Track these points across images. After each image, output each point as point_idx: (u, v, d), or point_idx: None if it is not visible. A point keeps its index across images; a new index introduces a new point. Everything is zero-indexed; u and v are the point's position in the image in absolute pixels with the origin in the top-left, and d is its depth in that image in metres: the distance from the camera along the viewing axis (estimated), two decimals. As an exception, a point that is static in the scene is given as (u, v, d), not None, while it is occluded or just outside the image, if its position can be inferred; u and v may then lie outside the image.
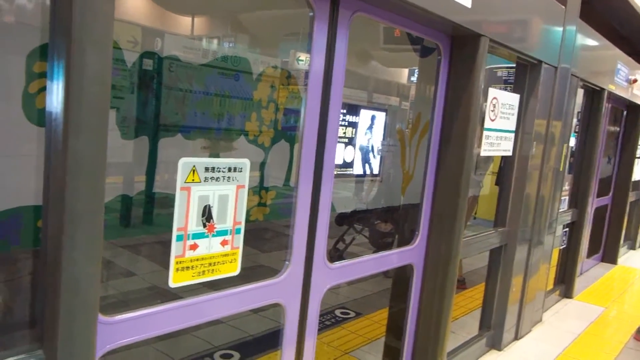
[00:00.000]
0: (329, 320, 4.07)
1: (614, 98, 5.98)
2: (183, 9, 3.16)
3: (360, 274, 2.68)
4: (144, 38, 2.46)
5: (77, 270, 1.36)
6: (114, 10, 1.32)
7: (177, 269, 1.80)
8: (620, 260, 7.22)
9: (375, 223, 4.61)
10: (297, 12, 2.29)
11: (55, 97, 1.31)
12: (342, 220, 4.70)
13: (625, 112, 6.99)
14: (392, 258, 2.91)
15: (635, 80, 6.16)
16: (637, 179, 7.55)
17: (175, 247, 1.78)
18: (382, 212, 4.62)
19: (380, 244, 4.47)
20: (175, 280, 1.80)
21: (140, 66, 2.46)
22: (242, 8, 3.39)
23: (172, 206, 1.76)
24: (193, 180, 1.78)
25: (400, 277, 3.22)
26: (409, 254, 2.99)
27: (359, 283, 4.57)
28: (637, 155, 7.23)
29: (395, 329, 3.26)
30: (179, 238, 1.78)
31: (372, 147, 4.73)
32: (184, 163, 1.76)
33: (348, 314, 4.25)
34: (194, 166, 1.78)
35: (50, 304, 1.39)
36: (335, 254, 4.60)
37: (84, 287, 1.38)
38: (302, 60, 2.90)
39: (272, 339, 2.52)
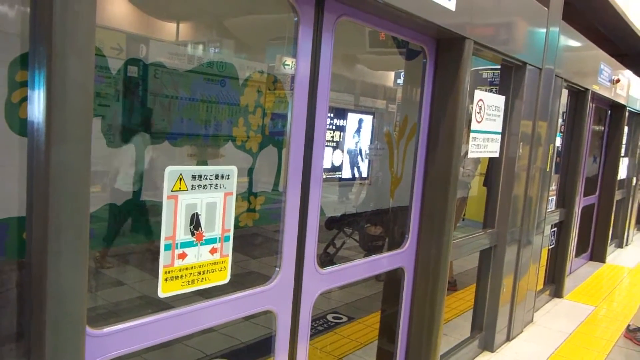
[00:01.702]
0: (322, 325, 4.05)
1: (597, 98, 6.05)
2: (167, 14, 3.14)
3: (351, 278, 2.67)
4: (128, 45, 2.44)
5: (62, 282, 1.34)
6: (95, 17, 1.30)
7: (166, 279, 1.77)
8: (608, 258, 7.29)
9: (365, 226, 4.61)
10: (282, 17, 2.28)
11: (37, 106, 1.29)
12: (331, 224, 4.68)
13: (609, 112, 7.07)
14: (383, 262, 2.91)
15: (618, 80, 6.24)
16: (622, 177, 7.64)
17: (163, 257, 1.75)
18: (372, 215, 4.62)
19: (370, 247, 4.46)
20: (164, 290, 1.78)
21: (125, 73, 2.43)
22: (226, 13, 3.38)
23: (160, 214, 1.74)
24: (180, 188, 1.76)
25: (392, 280, 3.21)
26: (399, 258, 2.99)
27: (351, 287, 4.55)
28: (622, 154, 7.31)
29: (387, 332, 3.26)
30: (167, 247, 1.76)
31: (360, 150, 4.73)
32: (171, 171, 1.74)
33: (340, 318, 4.23)
34: (181, 174, 1.76)
35: (36, 317, 1.37)
36: (325, 259, 4.59)
37: (69, 299, 1.36)
38: (289, 65, 2.90)
39: (264, 346, 2.50)
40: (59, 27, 1.23)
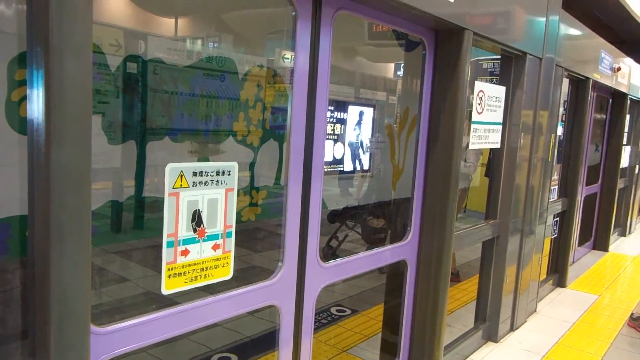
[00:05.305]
0: (325, 318, 4.07)
1: (599, 87, 6.02)
2: (166, 10, 3.13)
3: (353, 272, 2.67)
4: (127, 41, 2.43)
5: (65, 280, 1.34)
6: (92, 14, 1.30)
7: (169, 276, 1.78)
8: (611, 247, 7.28)
9: (367, 219, 4.61)
10: (281, 10, 2.27)
11: (36, 105, 1.29)
12: (334, 217, 4.69)
13: (610, 100, 7.04)
14: (385, 255, 2.91)
15: (619, 69, 6.21)
16: (624, 166, 7.62)
17: (166, 254, 1.76)
18: (374, 207, 4.62)
19: (373, 239, 4.47)
20: (167, 287, 1.78)
21: (125, 70, 2.43)
22: (224, 8, 3.36)
23: (162, 210, 1.74)
24: (181, 185, 1.76)
25: (395, 272, 3.22)
26: (401, 250, 2.99)
27: (354, 280, 4.56)
28: (624, 143, 7.29)
29: (391, 324, 3.26)
30: (170, 244, 1.76)
31: (362, 142, 4.72)
32: (172, 168, 1.73)
33: (344, 311, 4.24)
34: (182, 171, 1.76)
35: (40, 316, 1.37)
36: (328, 252, 4.59)
37: (73, 298, 1.36)
38: (288, 59, 2.89)
39: (269, 340, 2.51)
40: (56, 26, 1.23)
